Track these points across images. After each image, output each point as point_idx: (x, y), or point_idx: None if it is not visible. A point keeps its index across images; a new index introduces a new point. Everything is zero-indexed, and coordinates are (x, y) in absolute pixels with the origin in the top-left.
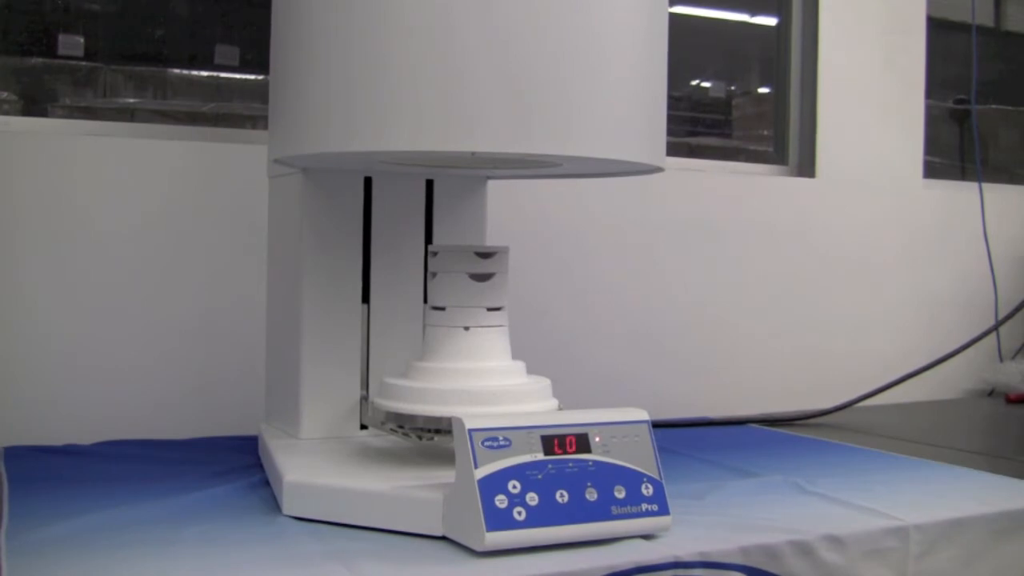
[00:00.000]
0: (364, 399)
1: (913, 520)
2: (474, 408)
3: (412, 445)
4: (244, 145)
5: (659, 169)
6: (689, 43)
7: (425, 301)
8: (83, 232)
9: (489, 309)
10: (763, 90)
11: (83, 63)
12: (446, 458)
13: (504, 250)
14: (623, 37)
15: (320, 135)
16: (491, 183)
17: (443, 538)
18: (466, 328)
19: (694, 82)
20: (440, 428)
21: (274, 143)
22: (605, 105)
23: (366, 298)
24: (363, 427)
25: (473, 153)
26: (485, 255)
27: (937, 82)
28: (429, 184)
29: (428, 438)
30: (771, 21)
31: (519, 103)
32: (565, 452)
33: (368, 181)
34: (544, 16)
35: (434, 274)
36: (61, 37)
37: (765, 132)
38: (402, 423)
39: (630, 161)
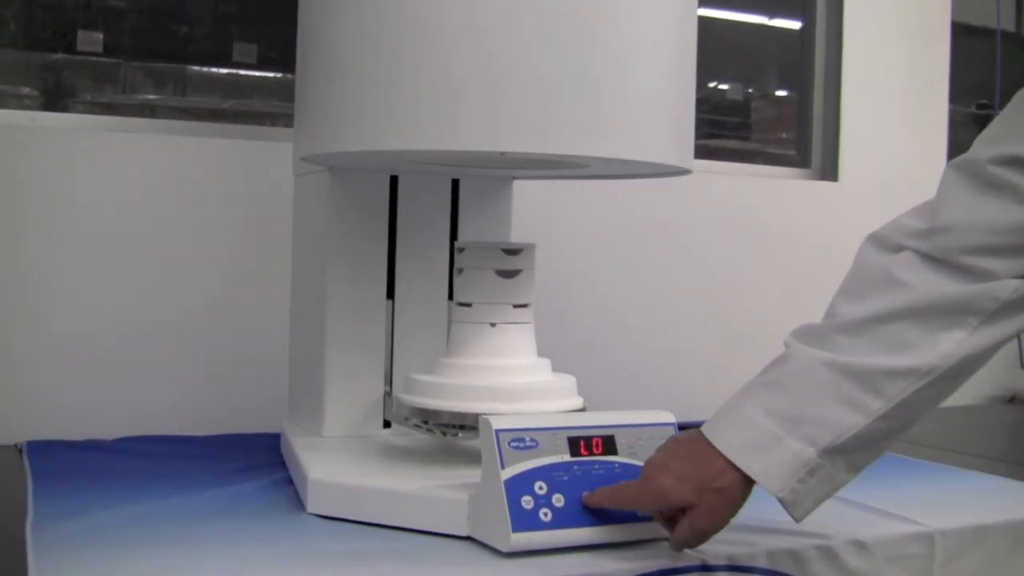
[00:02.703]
0: (388, 395)
1: (938, 526)
2: (499, 404)
3: (436, 442)
4: (268, 142)
5: (686, 171)
6: (706, 45)
7: (450, 298)
8: (108, 228)
9: (515, 306)
10: (781, 93)
11: (103, 59)
12: (471, 457)
13: (531, 247)
14: (653, 39)
15: (348, 133)
16: (516, 183)
17: (468, 538)
18: (492, 324)
19: (711, 84)
20: (465, 424)
21: (301, 141)
22: (634, 107)
23: (391, 295)
24: (386, 426)
25: (502, 153)
26: (512, 252)
27: (960, 87)
28: (455, 183)
29: (452, 434)
30: (790, 24)
31: (548, 103)
32: (591, 453)
33: (394, 180)
34: (574, 18)
35: (460, 270)
36: (80, 33)
37: (783, 135)
38: (426, 419)
39: (658, 163)
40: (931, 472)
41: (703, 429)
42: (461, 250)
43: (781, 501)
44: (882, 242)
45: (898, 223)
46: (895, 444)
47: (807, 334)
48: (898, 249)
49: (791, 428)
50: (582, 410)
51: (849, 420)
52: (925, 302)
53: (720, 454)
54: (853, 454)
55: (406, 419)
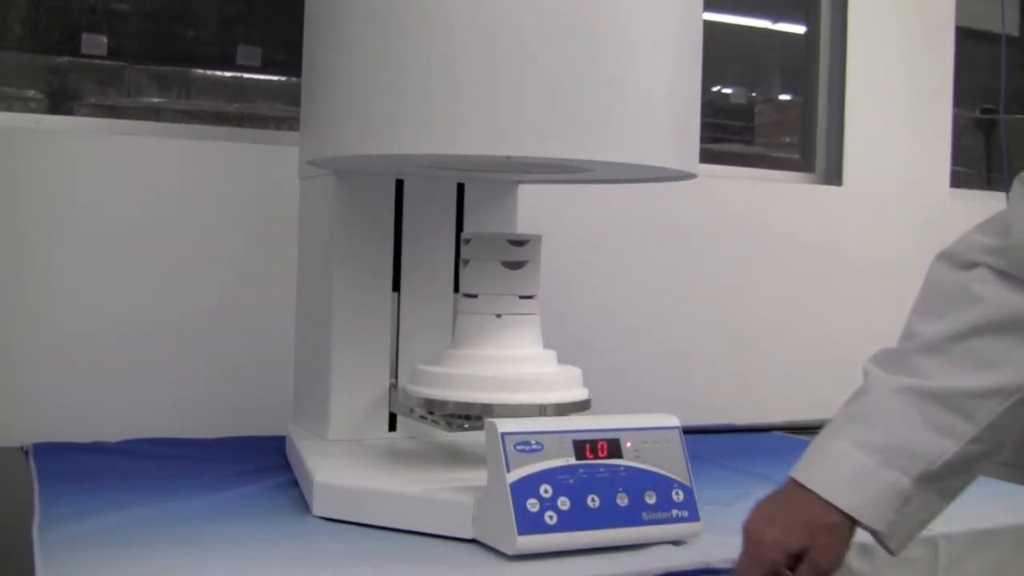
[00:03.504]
0: (393, 387)
1: (942, 530)
2: (505, 394)
3: (442, 444)
4: (273, 146)
5: (692, 175)
6: (711, 49)
7: (455, 292)
8: (112, 230)
9: (521, 297)
10: (784, 97)
11: (108, 62)
12: (476, 460)
13: (537, 238)
14: (657, 43)
15: (354, 137)
16: (521, 186)
17: (473, 541)
18: (498, 316)
19: (716, 88)
20: (470, 414)
21: (307, 145)
22: (639, 111)
23: (397, 298)
24: (392, 429)
25: (508, 157)
26: (518, 243)
27: (964, 91)
28: (460, 187)
29: (458, 424)
30: (794, 28)
31: (553, 108)
32: (597, 457)
33: (400, 183)
34: (580, 23)
35: (466, 261)
36: (84, 36)
37: (787, 139)
38: (432, 409)
39: (663, 167)
40: None
41: (793, 475)
42: (467, 241)
43: (876, 534)
44: (954, 259)
45: (969, 240)
46: (988, 465)
47: (886, 360)
48: (972, 265)
49: (883, 459)
50: (587, 401)
51: (941, 446)
52: (1005, 318)
53: (817, 495)
54: (947, 480)
55: (412, 411)
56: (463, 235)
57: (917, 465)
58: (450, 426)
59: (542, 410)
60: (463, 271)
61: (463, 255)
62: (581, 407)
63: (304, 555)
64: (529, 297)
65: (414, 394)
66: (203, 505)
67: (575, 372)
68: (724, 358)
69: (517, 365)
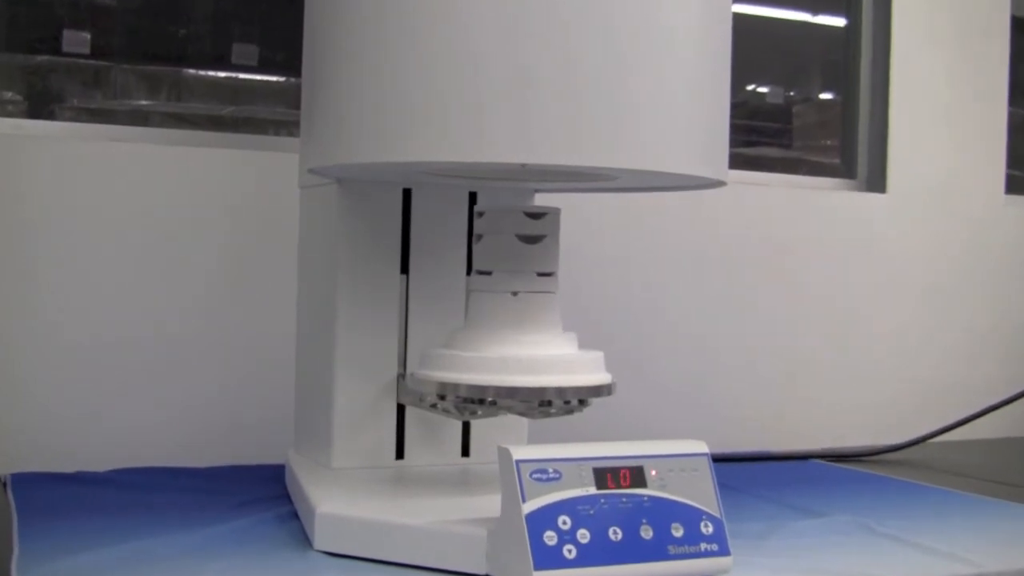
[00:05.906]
0: (401, 377)
1: (994, 567)
2: (521, 377)
3: (453, 418)
4: (271, 152)
5: (721, 183)
6: (744, 45)
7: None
8: (99, 243)
9: (539, 274)
10: (825, 96)
11: (92, 61)
12: (489, 489)
13: (555, 211)
14: (684, 43)
15: (360, 144)
16: (539, 194)
17: None
18: (514, 294)
19: (750, 87)
20: (484, 398)
21: (308, 152)
22: (664, 115)
23: (404, 318)
24: (399, 456)
25: (523, 165)
26: (535, 216)
27: (1020, 88)
28: (472, 196)
29: (471, 411)
30: (836, 21)
31: (572, 112)
32: (619, 486)
33: (407, 193)
34: (600, 22)
35: (479, 237)
36: (66, 33)
37: (828, 142)
38: (444, 393)
39: (690, 175)
40: (986, 508)
41: None
42: (480, 215)
43: None
44: None
45: None
46: None
47: None
48: None
49: None
50: (610, 386)
51: None
52: None
53: None
54: None
55: (421, 399)
56: (476, 209)
57: None
58: (462, 413)
59: (561, 393)
60: (476, 247)
61: (476, 230)
62: (604, 392)
63: None
64: (548, 274)
65: (424, 378)
66: (196, 540)
67: (597, 355)
68: (759, 378)
69: (535, 346)
